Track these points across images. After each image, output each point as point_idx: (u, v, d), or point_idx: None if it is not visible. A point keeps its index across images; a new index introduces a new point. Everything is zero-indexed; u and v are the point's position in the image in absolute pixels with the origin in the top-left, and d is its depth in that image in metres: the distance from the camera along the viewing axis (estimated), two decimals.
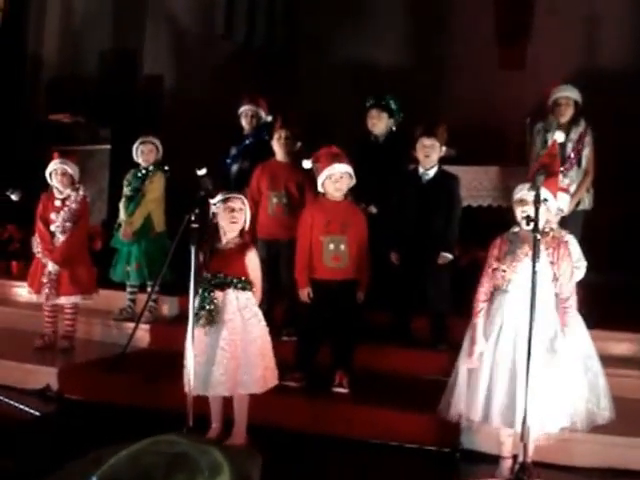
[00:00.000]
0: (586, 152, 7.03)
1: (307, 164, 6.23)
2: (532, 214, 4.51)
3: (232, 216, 5.29)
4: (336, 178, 5.99)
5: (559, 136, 5.04)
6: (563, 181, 6.10)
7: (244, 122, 7.71)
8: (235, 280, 5.26)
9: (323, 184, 6.03)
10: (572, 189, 6.92)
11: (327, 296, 6.03)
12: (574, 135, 7.02)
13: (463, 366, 4.95)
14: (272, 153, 6.97)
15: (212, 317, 5.15)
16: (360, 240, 6.08)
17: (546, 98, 7.19)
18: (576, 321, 4.97)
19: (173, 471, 1.89)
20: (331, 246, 6.00)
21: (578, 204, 7.00)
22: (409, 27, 10.03)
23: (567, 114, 7.06)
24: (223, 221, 5.31)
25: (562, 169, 6.84)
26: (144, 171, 7.54)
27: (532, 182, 4.57)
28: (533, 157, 7.04)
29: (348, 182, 6.05)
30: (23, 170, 8.43)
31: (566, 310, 4.86)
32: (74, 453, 3.83)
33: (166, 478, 1.87)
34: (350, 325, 6.09)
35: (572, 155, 6.98)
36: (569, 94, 7.07)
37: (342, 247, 5.99)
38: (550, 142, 5.04)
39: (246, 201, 5.41)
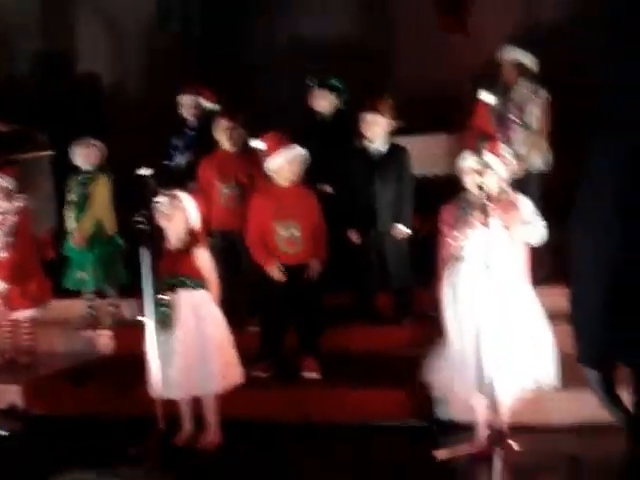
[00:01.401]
0: (536, 112, 7.00)
1: (256, 143, 6.13)
2: (480, 181, 4.49)
3: (166, 215, 5.24)
4: (295, 161, 5.95)
5: (485, 96, 4.99)
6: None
7: (186, 113, 7.60)
8: (186, 279, 5.21)
9: (280, 168, 5.95)
10: (522, 150, 6.91)
11: (286, 282, 5.94)
12: (517, 95, 7.01)
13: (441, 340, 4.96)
14: (218, 143, 6.85)
15: (165, 320, 5.10)
16: (314, 223, 6.01)
17: (490, 61, 7.18)
18: (526, 282, 4.94)
19: None
20: (284, 232, 5.94)
21: (531, 165, 6.98)
22: None
23: (511, 75, 7.05)
24: (162, 221, 5.26)
25: (506, 130, 6.89)
26: (87, 175, 7.38)
27: (475, 149, 4.55)
28: None
29: (303, 166, 6.00)
30: None
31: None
32: (46, 471, 3.77)
33: None
34: (313, 309, 6.03)
35: (516, 117, 6.96)
36: (513, 55, 7.07)
37: (295, 232, 5.93)
38: (478, 104, 4.98)
39: (186, 196, 5.33)
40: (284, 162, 5.92)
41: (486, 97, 5.02)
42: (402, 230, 6.53)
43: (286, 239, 5.93)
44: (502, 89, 7.03)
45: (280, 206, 5.94)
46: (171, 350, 5.10)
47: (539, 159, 7.03)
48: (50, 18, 10.32)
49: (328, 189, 6.86)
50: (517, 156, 6.77)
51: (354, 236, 6.65)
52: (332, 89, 7.13)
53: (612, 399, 3.43)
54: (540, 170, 7.04)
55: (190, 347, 5.13)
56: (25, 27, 10.31)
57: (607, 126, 2.71)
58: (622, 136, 2.77)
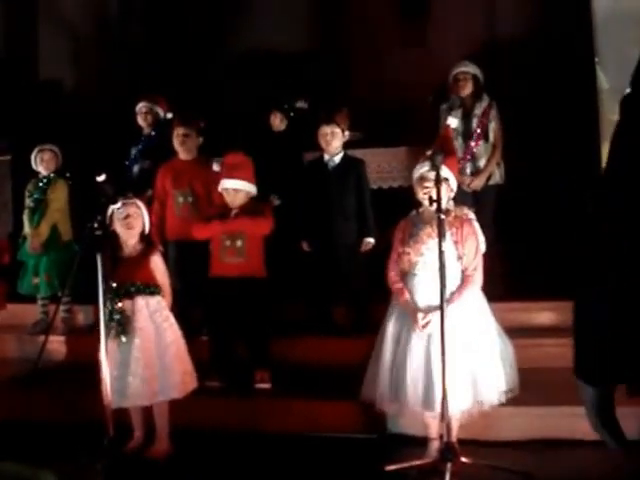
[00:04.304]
0: (492, 126, 7.11)
1: (216, 167, 6.19)
2: (434, 194, 4.50)
3: (127, 222, 5.25)
4: (230, 192, 5.96)
5: (452, 121, 5.05)
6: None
7: (140, 120, 7.58)
8: (142, 286, 5.22)
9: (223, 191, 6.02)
10: (482, 164, 7.00)
11: (229, 295, 5.90)
12: (478, 110, 7.11)
13: (386, 352, 4.90)
14: (174, 151, 6.83)
15: (122, 328, 5.10)
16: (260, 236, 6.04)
17: (447, 76, 7.26)
18: (478, 297, 4.93)
19: None
20: (227, 242, 5.93)
21: (489, 179, 7.06)
22: (308, 10, 9.91)
23: (466, 89, 7.15)
24: (119, 228, 5.26)
25: (472, 146, 6.96)
26: (45, 180, 7.38)
27: (431, 162, 4.56)
28: None
29: (245, 195, 5.99)
30: None
31: (466, 285, 4.84)
32: None
33: None
34: (259, 322, 6.01)
35: (478, 130, 7.04)
36: (466, 69, 7.17)
37: (239, 243, 5.92)
38: (443, 127, 5.01)
39: (141, 204, 5.36)
40: (224, 190, 5.98)
41: (453, 122, 5.07)
42: (368, 242, 6.55)
43: (228, 249, 5.93)
44: (459, 103, 7.13)
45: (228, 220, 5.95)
46: (129, 357, 5.09)
47: (498, 172, 7.13)
48: (10, 25, 10.22)
49: (276, 201, 6.90)
50: (478, 170, 6.91)
51: (305, 245, 6.68)
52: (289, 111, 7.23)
53: (607, 422, 2.98)
54: (497, 183, 7.14)
55: (150, 354, 5.13)
56: None
57: None
58: None
